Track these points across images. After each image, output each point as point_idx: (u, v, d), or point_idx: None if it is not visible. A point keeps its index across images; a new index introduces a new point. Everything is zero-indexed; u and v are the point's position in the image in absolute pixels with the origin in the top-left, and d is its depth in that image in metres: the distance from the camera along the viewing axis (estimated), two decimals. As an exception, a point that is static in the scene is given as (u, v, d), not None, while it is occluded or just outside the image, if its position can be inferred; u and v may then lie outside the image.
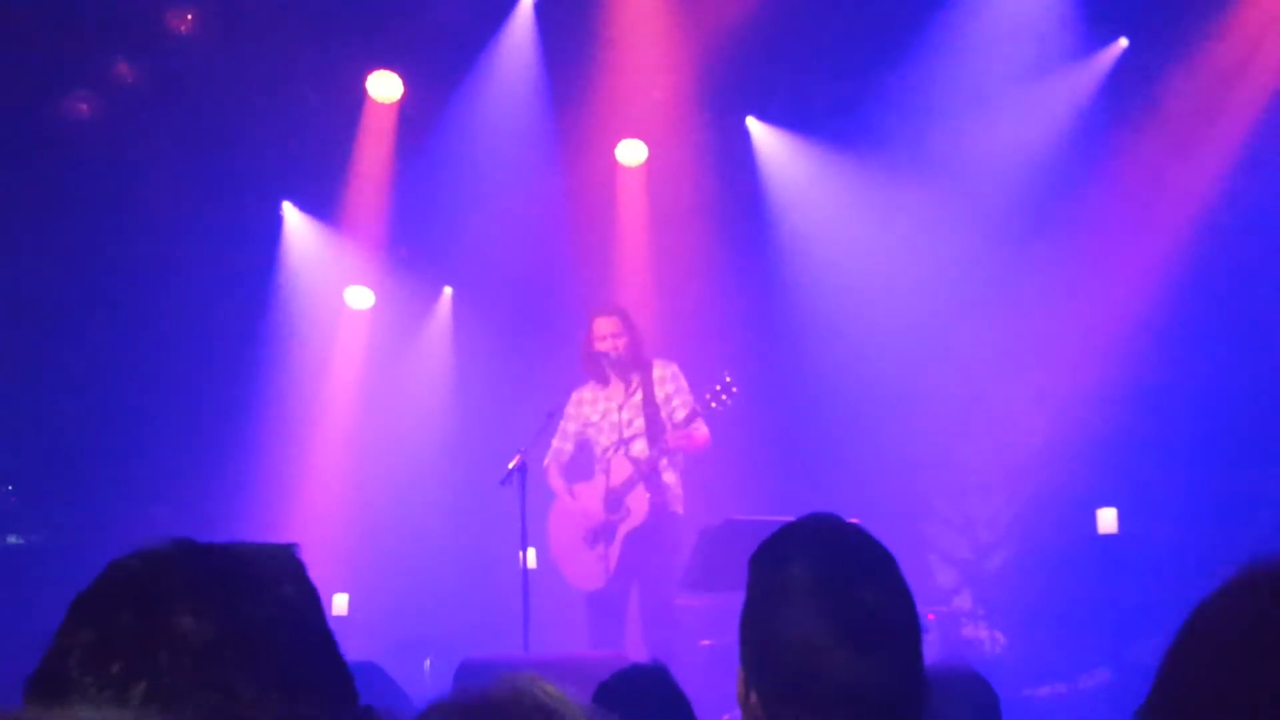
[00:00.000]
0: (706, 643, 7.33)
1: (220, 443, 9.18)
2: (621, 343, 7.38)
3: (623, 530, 7.24)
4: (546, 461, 7.54)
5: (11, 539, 9.24)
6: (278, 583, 1.14)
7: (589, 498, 7.38)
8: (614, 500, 7.27)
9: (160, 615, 1.09)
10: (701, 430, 7.27)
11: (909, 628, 1.71)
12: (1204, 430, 8.35)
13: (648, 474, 7.22)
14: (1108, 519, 7.78)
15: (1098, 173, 8.86)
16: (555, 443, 7.59)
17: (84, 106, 8.96)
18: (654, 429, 7.27)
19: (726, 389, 7.11)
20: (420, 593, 8.57)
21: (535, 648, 6.78)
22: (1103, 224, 8.76)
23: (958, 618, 8.25)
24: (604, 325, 7.43)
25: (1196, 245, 8.51)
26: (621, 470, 7.30)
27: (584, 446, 7.60)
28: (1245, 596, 1.11)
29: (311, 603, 1.16)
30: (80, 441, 9.14)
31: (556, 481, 7.54)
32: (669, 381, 7.40)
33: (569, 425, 7.59)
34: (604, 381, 7.52)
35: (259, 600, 1.13)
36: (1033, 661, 7.93)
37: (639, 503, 7.22)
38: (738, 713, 1.76)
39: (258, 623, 1.11)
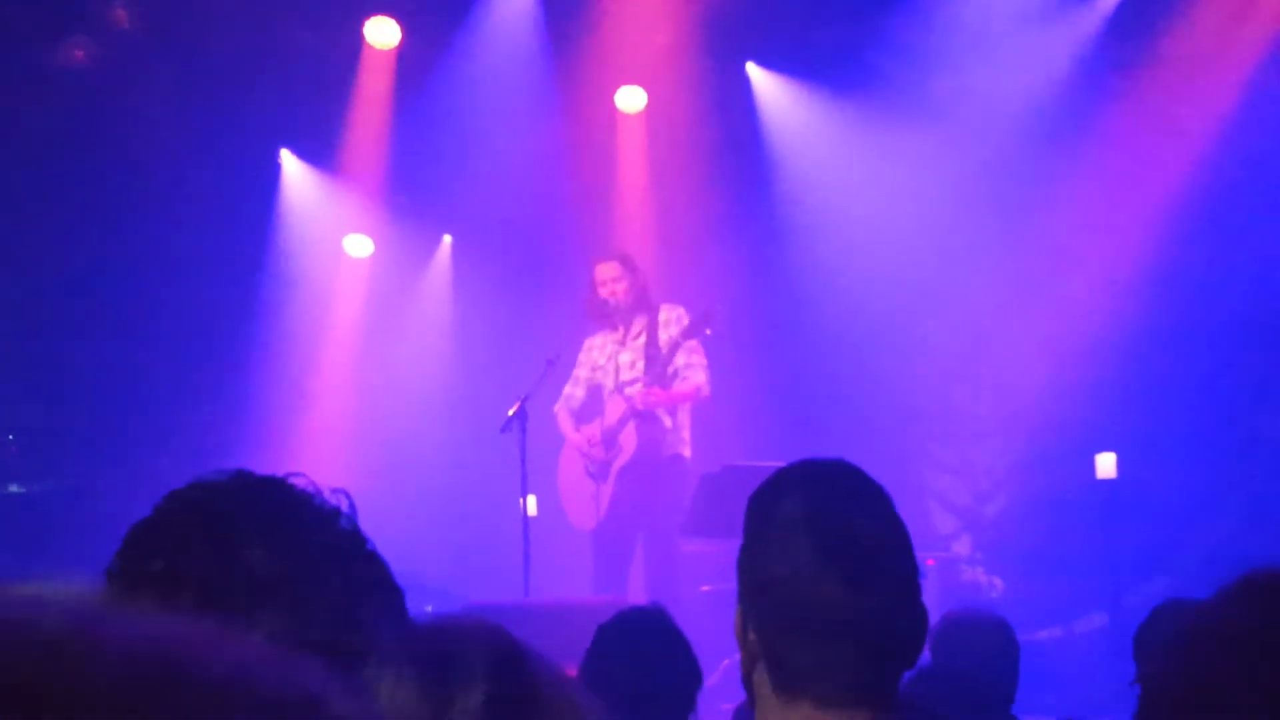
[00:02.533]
0: (707, 588, 7.38)
1: (221, 392, 9.20)
2: (621, 287, 7.38)
3: (615, 467, 7.26)
4: (556, 407, 7.58)
5: (13, 488, 9.27)
6: (335, 514, 1.18)
7: (589, 437, 7.41)
8: (609, 438, 7.30)
9: (230, 547, 1.11)
10: (691, 379, 7.26)
11: (904, 561, 1.72)
12: (1203, 375, 8.36)
13: (640, 411, 7.23)
14: (1106, 464, 7.80)
15: (1099, 117, 8.82)
16: (566, 389, 7.65)
17: (80, 53, 8.90)
18: (653, 370, 7.28)
19: (709, 315, 7.04)
20: (421, 540, 8.59)
21: (536, 594, 6.82)
22: (1104, 168, 8.73)
23: (957, 563, 8.30)
24: (605, 271, 7.43)
25: (1198, 190, 8.49)
26: (616, 409, 7.33)
27: (594, 392, 7.63)
28: (1243, 603, 1.13)
29: (362, 535, 1.20)
30: (80, 391, 9.15)
31: (565, 424, 7.58)
32: (674, 324, 7.40)
33: (580, 371, 7.64)
34: (613, 327, 7.54)
35: (322, 531, 1.15)
36: (1030, 606, 7.98)
37: (629, 440, 7.24)
38: (739, 657, 1.77)
39: (322, 553, 1.14)
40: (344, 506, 1.19)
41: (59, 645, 0.49)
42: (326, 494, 1.20)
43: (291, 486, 1.19)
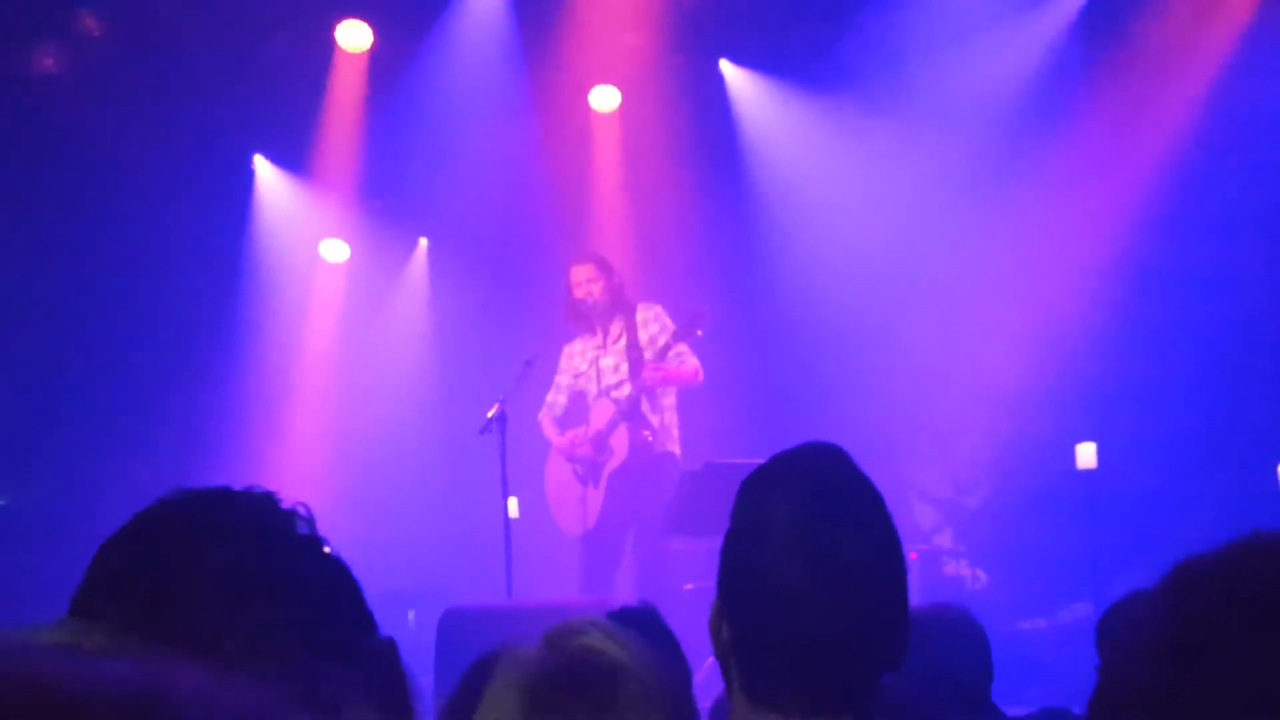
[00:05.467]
0: (689, 586, 7.36)
1: (198, 400, 9.16)
2: (597, 288, 7.36)
3: (607, 470, 7.25)
4: (540, 415, 7.56)
5: (-9, 499, 9.22)
6: (293, 519, 1.19)
7: (576, 443, 7.39)
8: (599, 443, 7.28)
9: (186, 550, 1.13)
10: (689, 361, 7.26)
11: (891, 566, 1.66)
12: (1183, 364, 8.39)
13: (628, 412, 7.22)
14: (1087, 454, 7.82)
15: (1074, 109, 8.84)
16: (548, 396, 7.61)
17: (49, 61, 8.85)
18: (637, 370, 7.27)
19: (698, 316, 7.06)
20: (402, 545, 8.57)
21: (519, 595, 6.80)
22: (1080, 161, 8.75)
23: (939, 556, 8.31)
24: (580, 273, 7.41)
25: (1175, 179, 8.51)
26: (604, 412, 7.31)
27: (577, 398, 7.61)
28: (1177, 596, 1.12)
29: (320, 538, 1.22)
30: (58, 400, 9.10)
31: (549, 431, 7.55)
32: (652, 322, 7.39)
33: (561, 379, 7.61)
34: (590, 331, 7.52)
35: (278, 535, 1.16)
36: (1013, 597, 8.00)
37: (620, 442, 7.22)
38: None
39: (280, 558, 1.15)
40: (302, 513, 1.20)
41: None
42: (285, 502, 1.20)
43: (252, 495, 1.20)
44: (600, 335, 7.48)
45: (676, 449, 7.34)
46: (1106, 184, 8.68)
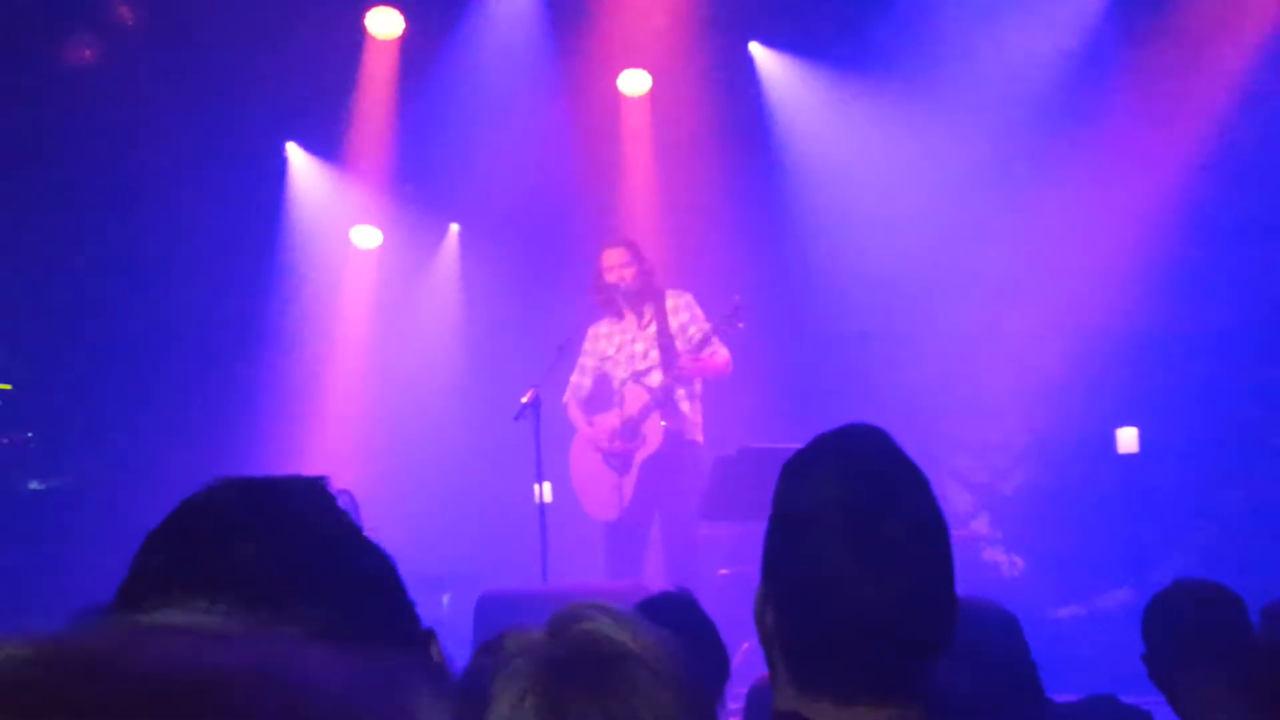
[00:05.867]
0: (724, 571, 7.34)
1: (234, 385, 9.20)
2: (630, 273, 7.33)
3: (639, 458, 7.23)
4: (565, 398, 7.53)
5: (33, 485, 9.29)
6: (334, 509, 1.18)
7: (606, 428, 7.37)
8: (630, 429, 7.26)
9: (234, 539, 1.12)
10: (720, 353, 7.24)
11: (938, 558, 1.63)
12: (1224, 349, 8.30)
13: (662, 401, 7.21)
14: (1128, 439, 7.75)
15: (1110, 90, 8.75)
16: (573, 379, 7.58)
17: (88, 51, 8.89)
18: (668, 358, 7.24)
19: (736, 309, 7.05)
20: (437, 530, 8.58)
21: (552, 581, 6.79)
22: (1120, 145, 8.66)
23: (976, 542, 8.25)
24: (612, 257, 7.38)
25: (1214, 166, 8.42)
26: (637, 399, 7.29)
27: (602, 381, 7.58)
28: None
29: (360, 529, 1.21)
30: (94, 388, 9.16)
31: (575, 415, 7.53)
32: (683, 310, 7.37)
33: (586, 361, 7.57)
34: (618, 315, 7.49)
35: (329, 524, 1.16)
36: (1052, 583, 7.93)
37: (653, 430, 7.20)
38: (755, 639, 1.72)
39: (319, 549, 1.14)
40: (344, 504, 1.18)
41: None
42: (331, 490, 1.19)
43: (292, 485, 1.19)
44: (633, 320, 7.45)
45: (700, 437, 7.32)
46: (1147, 170, 8.59)
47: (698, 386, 7.38)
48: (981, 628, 3.18)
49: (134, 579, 1.13)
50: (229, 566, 1.10)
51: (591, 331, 7.60)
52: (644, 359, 7.36)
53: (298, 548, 1.12)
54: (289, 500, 1.17)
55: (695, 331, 7.25)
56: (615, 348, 7.48)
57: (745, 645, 6.43)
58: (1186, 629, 2.94)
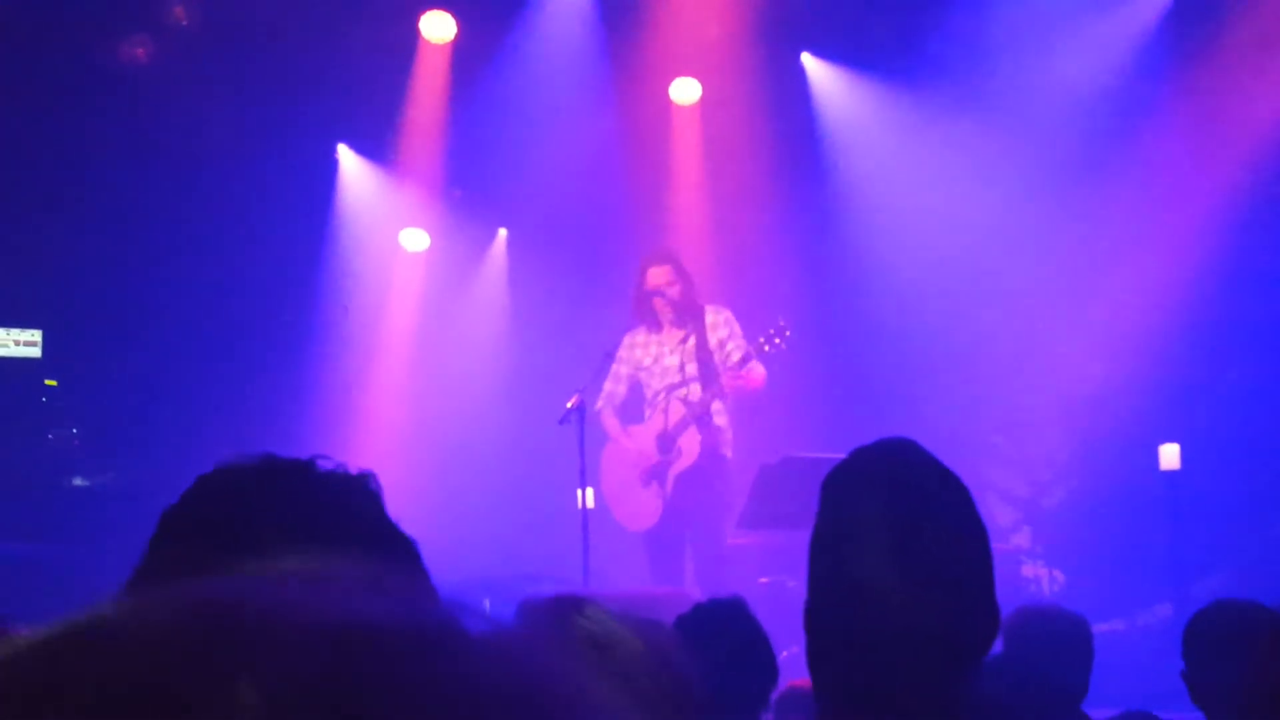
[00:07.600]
0: (764, 580, 7.35)
1: (281, 386, 9.26)
2: (675, 290, 7.35)
3: (674, 471, 7.26)
4: (599, 405, 7.55)
5: (77, 481, 9.38)
6: (359, 495, 1.17)
7: (642, 440, 7.40)
8: (667, 442, 7.29)
9: (248, 533, 1.11)
10: (758, 370, 7.26)
11: (980, 571, 1.64)
12: (1267, 365, 8.24)
13: (700, 416, 7.23)
14: (1170, 455, 7.70)
15: (1161, 106, 8.70)
16: (607, 385, 7.59)
17: (141, 52, 9.00)
18: (708, 374, 7.27)
19: (780, 332, 7.08)
20: (479, 533, 8.62)
21: (596, 585, 6.81)
22: (1166, 157, 8.61)
23: (1016, 556, 8.22)
24: (658, 275, 7.38)
25: (1263, 179, 8.36)
26: (675, 413, 7.31)
27: (635, 389, 7.61)
28: None
29: (386, 515, 1.20)
30: (142, 386, 9.24)
31: (611, 423, 7.55)
32: (722, 327, 7.39)
33: (621, 368, 7.58)
34: (656, 327, 7.50)
35: (344, 511, 1.14)
36: (1092, 598, 7.88)
37: (691, 444, 7.23)
38: (795, 648, 1.74)
39: (348, 543, 1.12)
40: (371, 485, 1.19)
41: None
42: (352, 473, 1.19)
43: (316, 468, 1.19)
44: (673, 334, 7.46)
45: (729, 453, 7.35)
46: (1194, 183, 8.53)
47: (729, 403, 7.41)
48: (1049, 639, 3.18)
49: (151, 553, 1.15)
50: (243, 541, 1.11)
51: (628, 340, 7.61)
52: (678, 372, 7.38)
53: (309, 522, 1.12)
54: (302, 478, 1.16)
55: (734, 348, 7.27)
56: (652, 359, 7.49)
57: (784, 653, 6.43)
58: (1226, 649, 2.94)
